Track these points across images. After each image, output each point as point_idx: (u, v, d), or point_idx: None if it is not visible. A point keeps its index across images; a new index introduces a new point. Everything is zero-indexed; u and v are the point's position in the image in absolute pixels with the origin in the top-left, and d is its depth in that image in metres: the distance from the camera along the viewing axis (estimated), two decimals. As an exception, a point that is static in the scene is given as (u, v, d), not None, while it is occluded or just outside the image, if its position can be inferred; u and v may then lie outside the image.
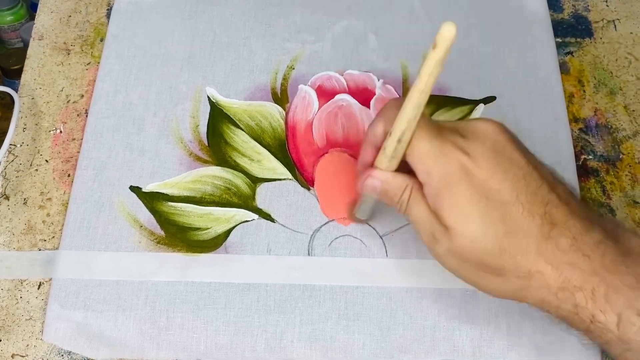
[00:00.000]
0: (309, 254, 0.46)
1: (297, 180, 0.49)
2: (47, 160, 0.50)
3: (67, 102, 0.53)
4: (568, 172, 0.49)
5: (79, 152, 0.50)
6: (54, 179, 0.49)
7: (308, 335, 0.43)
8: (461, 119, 0.51)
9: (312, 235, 0.47)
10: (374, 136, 0.40)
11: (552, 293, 0.35)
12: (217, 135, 0.50)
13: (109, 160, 0.50)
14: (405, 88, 0.53)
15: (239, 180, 0.49)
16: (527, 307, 0.43)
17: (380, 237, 0.46)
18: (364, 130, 0.50)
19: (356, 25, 0.56)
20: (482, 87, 0.53)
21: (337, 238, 0.47)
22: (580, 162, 0.50)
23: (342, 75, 0.53)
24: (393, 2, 0.57)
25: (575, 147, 0.51)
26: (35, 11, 0.59)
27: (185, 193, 0.48)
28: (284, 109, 0.52)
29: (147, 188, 0.48)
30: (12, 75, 0.87)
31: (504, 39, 0.55)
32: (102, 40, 0.56)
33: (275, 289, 0.45)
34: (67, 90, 0.53)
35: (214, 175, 0.49)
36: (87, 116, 0.52)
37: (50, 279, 0.45)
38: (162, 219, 0.47)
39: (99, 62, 0.54)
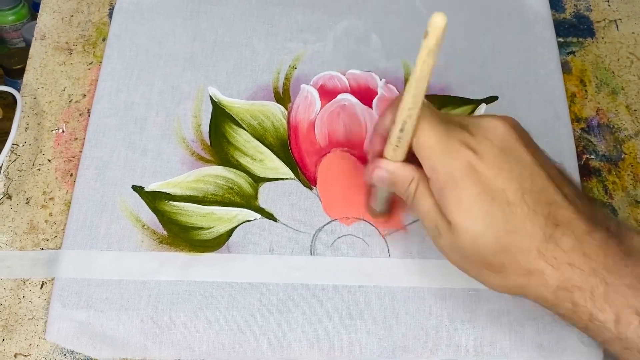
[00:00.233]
0: (311, 254, 0.46)
1: (299, 179, 0.49)
2: (49, 160, 0.50)
3: (70, 101, 0.53)
4: (570, 172, 0.48)
5: (81, 151, 0.50)
6: (56, 178, 0.49)
7: (310, 334, 0.43)
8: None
9: (314, 235, 0.47)
10: (383, 128, 0.40)
11: (551, 292, 0.35)
12: (219, 135, 0.50)
13: (111, 160, 0.50)
14: (407, 88, 0.53)
15: (242, 180, 0.49)
16: (530, 308, 0.44)
17: (383, 237, 0.47)
18: (367, 129, 0.50)
19: (358, 25, 0.56)
20: (484, 87, 0.53)
21: (339, 238, 0.47)
22: (582, 162, 0.50)
23: (344, 74, 0.53)
24: (395, 2, 0.57)
25: (577, 146, 0.51)
26: (37, 11, 0.59)
27: (188, 192, 0.48)
28: (286, 109, 0.52)
29: (149, 187, 0.48)
30: (15, 75, 0.87)
31: (506, 38, 0.55)
32: (104, 40, 0.56)
33: (278, 289, 0.45)
34: (69, 90, 0.53)
35: (216, 174, 0.49)
36: (89, 116, 0.52)
37: (53, 279, 0.45)
38: (165, 219, 0.47)
39: (101, 62, 0.54)
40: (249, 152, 0.50)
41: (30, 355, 0.43)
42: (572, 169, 0.49)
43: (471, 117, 0.39)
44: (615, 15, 0.58)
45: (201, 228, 0.47)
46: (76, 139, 0.51)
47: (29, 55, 0.55)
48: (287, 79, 0.53)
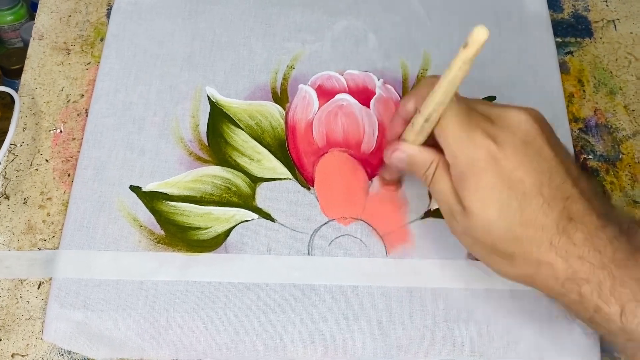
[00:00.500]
0: (308, 254, 0.46)
1: (297, 179, 0.49)
2: (47, 160, 0.50)
3: (67, 101, 0.53)
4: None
5: (79, 151, 0.50)
6: (54, 178, 0.49)
7: (308, 334, 0.43)
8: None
9: (312, 235, 0.47)
10: (405, 111, 0.41)
11: (559, 283, 0.36)
12: (217, 135, 0.50)
13: (109, 160, 0.50)
14: (405, 87, 0.53)
15: (239, 180, 0.49)
16: (527, 307, 0.44)
17: (380, 237, 0.47)
18: (364, 130, 0.50)
19: (356, 25, 0.56)
20: (481, 87, 0.53)
21: (337, 238, 0.47)
22: (580, 162, 0.50)
23: (342, 74, 0.53)
24: (393, 2, 0.57)
25: (575, 146, 0.51)
26: (36, 11, 0.59)
27: (185, 192, 0.48)
28: (284, 109, 0.52)
29: (147, 187, 0.48)
30: (12, 75, 0.87)
31: (504, 38, 0.55)
32: (102, 40, 0.56)
33: (275, 289, 0.45)
34: (67, 90, 0.53)
35: (214, 174, 0.49)
36: (87, 116, 0.52)
37: (50, 279, 0.45)
38: (162, 219, 0.47)
39: (99, 62, 0.54)
40: (247, 152, 0.50)
41: (27, 355, 0.43)
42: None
43: (496, 106, 0.39)
44: (613, 16, 0.58)
45: (199, 228, 0.47)
46: (74, 139, 0.51)
47: (27, 55, 0.55)
48: (285, 79, 0.53)
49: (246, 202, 0.48)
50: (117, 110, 0.52)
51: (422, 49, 0.55)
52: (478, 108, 0.39)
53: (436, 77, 0.37)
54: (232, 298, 0.44)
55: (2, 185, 0.49)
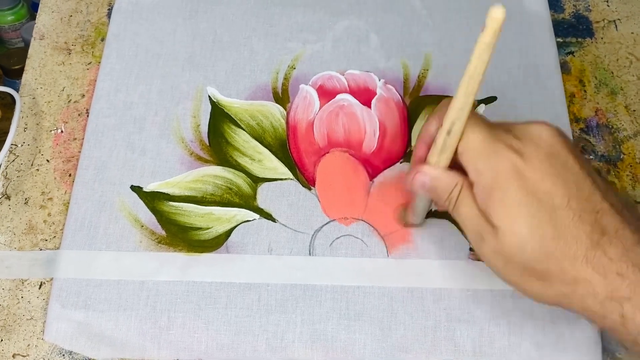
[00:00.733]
0: (310, 254, 0.46)
1: (298, 180, 0.49)
2: (48, 160, 0.50)
3: (68, 101, 0.53)
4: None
5: (80, 151, 0.50)
6: (55, 178, 0.49)
7: (309, 335, 0.43)
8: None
9: (313, 235, 0.47)
10: (427, 133, 0.40)
11: (598, 302, 0.34)
12: (218, 135, 0.50)
13: (110, 160, 0.50)
14: (405, 87, 0.53)
15: (240, 180, 0.49)
16: (529, 307, 0.44)
17: (381, 237, 0.46)
18: (365, 130, 0.50)
19: (357, 25, 0.56)
20: (482, 87, 0.52)
21: (338, 238, 0.47)
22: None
23: (343, 75, 0.53)
24: (394, 2, 0.57)
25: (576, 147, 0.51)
26: (36, 11, 0.59)
27: (186, 193, 0.48)
28: (285, 109, 0.52)
29: (148, 188, 0.48)
30: (13, 75, 0.87)
31: (505, 38, 0.55)
32: (103, 39, 0.56)
33: (277, 289, 0.45)
34: (68, 90, 0.53)
35: (215, 175, 0.49)
36: (88, 116, 0.52)
37: (51, 279, 0.45)
38: (163, 219, 0.47)
39: (99, 62, 0.54)
40: (248, 152, 0.50)
41: (28, 355, 0.43)
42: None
43: (516, 122, 0.38)
44: (614, 16, 0.58)
45: (200, 228, 0.47)
46: (75, 139, 0.51)
47: (28, 55, 0.55)
48: (286, 79, 0.53)
49: (247, 202, 0.48)
50: (118, 110, 0.52)
51: (423, 49, 0.55)
52: (499, 125, 0.38)
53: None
54: (234, 298, 0.44)
55: (3, 185, 0.49)
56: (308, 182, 0.49)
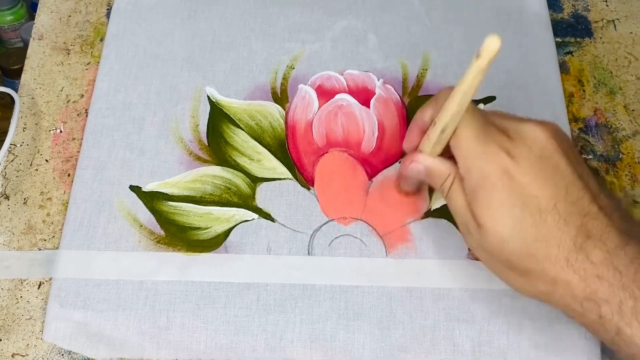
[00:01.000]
0: (308, 254, 0.46)
1: (297, 179, 0.49)
2: (47, 160, 0.50)
3: (67, 101, 0.53)
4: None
5: (79, 151, 0.50)
6: (54, 178, 0.49)
7: (308, 334, 0.43)
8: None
9: (312, 235, 0.47)
10: (422, 120, 0.41)
11: (577, 302, 0.35)
12: (217, 135, 0.50)
13: (108, 160, 0.50)
14: (404, 87, 0.53)
15: (239, 180, 0.49)
16: (528, 307, 0.44)
17: (380, 237, 0.47)
18: (364, 130, 0.50)
19: (356, 25, 0.56)
20: (481, 87, 0.52)
21: (337, 238, 0.47)
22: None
23: (342, 74, 0.53)
24: (393, 2, 0.57)
25: (575, 147, 0.51)
26: (35, 11, 0.59)
27: (185, 192, 0.48)
28: (284, 109, 0.52)
29: (147, 187, 0.48)
30: (12, 75, 0.87)
31: (504, 38, 0.54)
32: (102, 40, 0.56)
33: (275, 289, 0.45)
34: (67, 90, 0.53)
35: (214, 174, 0.49)
36: (87, 116, 0.52)
37: (50, 279, 0.45)
38: (162, 219, 0.47)
39: (98, 62, 0.54)
40: (247, 152, 0.50)
41: (27, 355, 0.43)
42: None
43: (514, 119, 0.39)
44: (613, 15, 0.58)
45: (198, 228, 0.47)
46: (74, 139, 0.51)
47: (27, 56, 0.55)
48: (284, 79, 0.53)
49: (246, 202, 0.48)
50: (117, 110, 0.52)
51: (422, 49, 0.55)
52: (495, 121, 0.38)
53: (451, 89, 0.37)
54: (232, 298, 0.44)
55: (2, 185, 0.49)
56: (307, 181, 0.49)
